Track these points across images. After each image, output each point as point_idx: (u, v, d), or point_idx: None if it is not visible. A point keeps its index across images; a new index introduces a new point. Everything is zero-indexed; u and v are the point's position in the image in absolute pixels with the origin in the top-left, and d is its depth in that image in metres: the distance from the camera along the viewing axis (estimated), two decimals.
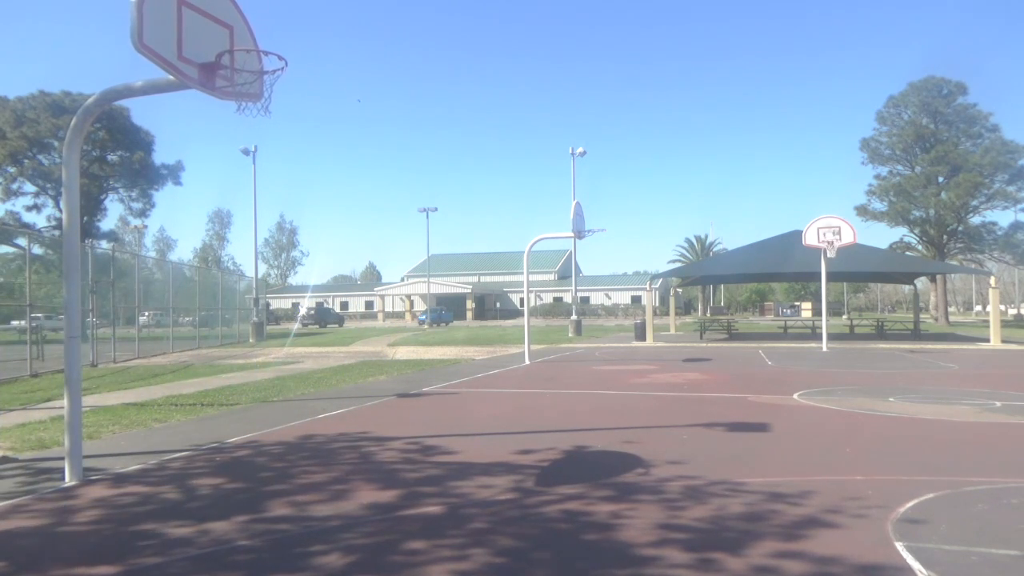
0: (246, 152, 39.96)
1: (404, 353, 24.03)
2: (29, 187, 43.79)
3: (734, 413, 9.52)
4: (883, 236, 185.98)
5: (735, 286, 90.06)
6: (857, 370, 16.01)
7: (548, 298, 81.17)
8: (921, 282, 52.05)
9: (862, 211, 53.15)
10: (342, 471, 6.37)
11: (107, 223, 50.68)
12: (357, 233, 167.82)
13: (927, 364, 17.63)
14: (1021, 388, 12.20)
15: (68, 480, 6.06)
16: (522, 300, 24.37)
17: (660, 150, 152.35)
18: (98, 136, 42.89)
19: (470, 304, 77.79)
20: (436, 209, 64.76)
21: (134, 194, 47.76)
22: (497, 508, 5.12)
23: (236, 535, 4.56)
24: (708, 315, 56.82)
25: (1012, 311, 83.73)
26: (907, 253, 50.82)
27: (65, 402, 6.34)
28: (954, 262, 52.76)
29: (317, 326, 60.81)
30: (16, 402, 11.48)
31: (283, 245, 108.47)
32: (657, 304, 63.13)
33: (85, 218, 41.24)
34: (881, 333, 33.34)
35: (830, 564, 3.93)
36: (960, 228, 51.28)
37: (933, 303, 60.96)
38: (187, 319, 30.16)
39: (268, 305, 55.63)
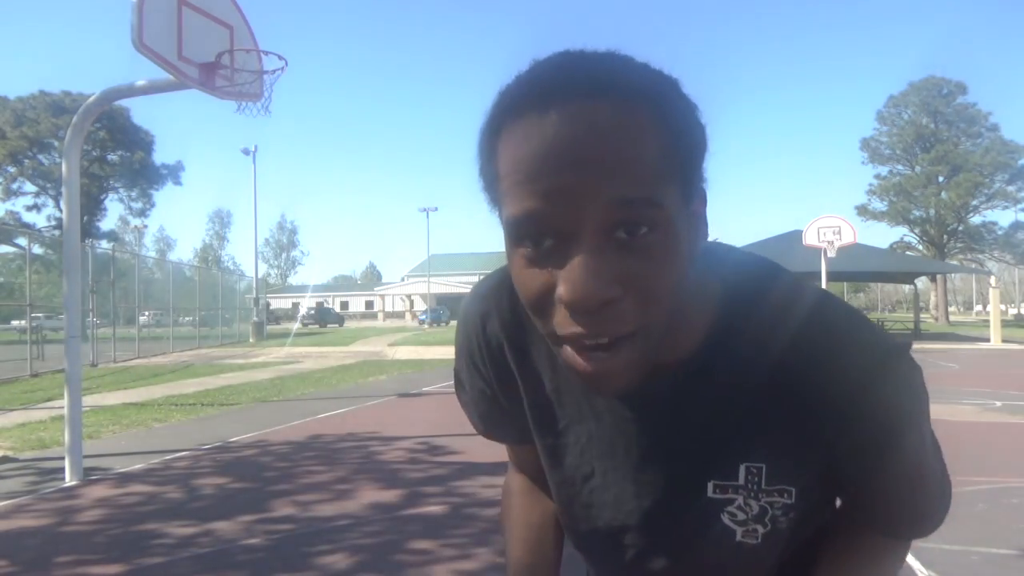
0: (246, 152, 40.00)
1: (404, 353, 24.03)
2: (29, 187, 43.86)
3: None
4: (883, 236, 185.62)
5: None
6: None
7: None
8: (921, 282, 52.02)
9: (862, 211, 53.30)
10: (344, 471, 6.37)
11: (107, 223, 50.75)
12: (357, 233, 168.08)
13: (927, 363, 17.63)
14: (1021, 388, 12.20)
15: (69, 480, 6.06)
16: None
17: None
18: (98, 136, 42.87)
19: None
20: (436, 209, 65.10)
21: (134, 194, 47.82)
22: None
23: (240, 535, 4.56)
24: None
25: (1012, 311, 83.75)
26: (907, 253, 50.82)
27: (65, 402, 6.34)
28: (954, 262, 52.76)
29: (317, 326, 60.70)
30: (16, 402, 11.48)
31: (283, 245, 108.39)
32: None
33: (85, 218, 41.21)
34: None
35: None
36: (960, 228, 51.38)
37: (933, 303, 60.97)
38: (187, 319, 30.13)
39: (268, 305, 55.60)
